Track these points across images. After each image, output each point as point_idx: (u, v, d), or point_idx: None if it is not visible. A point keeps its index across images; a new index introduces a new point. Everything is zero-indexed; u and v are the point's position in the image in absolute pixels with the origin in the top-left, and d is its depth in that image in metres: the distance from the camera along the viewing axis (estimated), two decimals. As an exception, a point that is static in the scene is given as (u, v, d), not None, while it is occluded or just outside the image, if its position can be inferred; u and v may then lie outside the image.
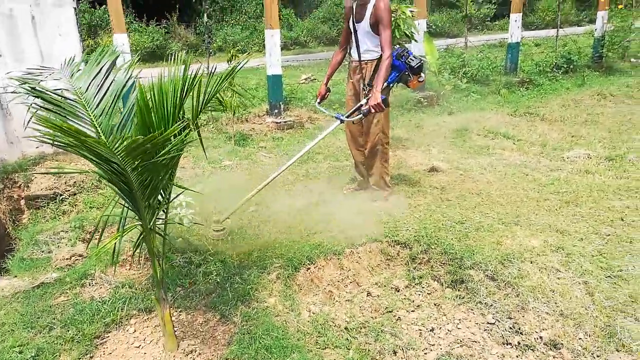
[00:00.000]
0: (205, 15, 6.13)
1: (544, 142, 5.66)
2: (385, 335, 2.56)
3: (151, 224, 2.12)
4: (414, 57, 3.84)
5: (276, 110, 6.81)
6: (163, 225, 2.32)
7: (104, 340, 2.52)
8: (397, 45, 4.16)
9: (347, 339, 2.55)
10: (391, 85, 3.85)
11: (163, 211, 2.27)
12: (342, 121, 3.86)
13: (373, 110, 3.65)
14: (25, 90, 2.06)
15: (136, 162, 1.70)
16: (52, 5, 4.77)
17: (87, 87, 2.28)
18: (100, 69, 2.31)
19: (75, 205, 4.51)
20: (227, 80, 2.25)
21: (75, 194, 4.65)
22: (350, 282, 3.20)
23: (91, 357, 2.40)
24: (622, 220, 3.55)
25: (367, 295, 2.97)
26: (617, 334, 2.37)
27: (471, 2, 18.29)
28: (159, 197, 2.17)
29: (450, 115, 7.25)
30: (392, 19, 4.69)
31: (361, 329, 2.63)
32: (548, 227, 3.47)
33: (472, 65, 8.76)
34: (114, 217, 2.97)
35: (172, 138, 1.82)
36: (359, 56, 3.90)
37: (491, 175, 4.68)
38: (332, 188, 4.43)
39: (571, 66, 9.60)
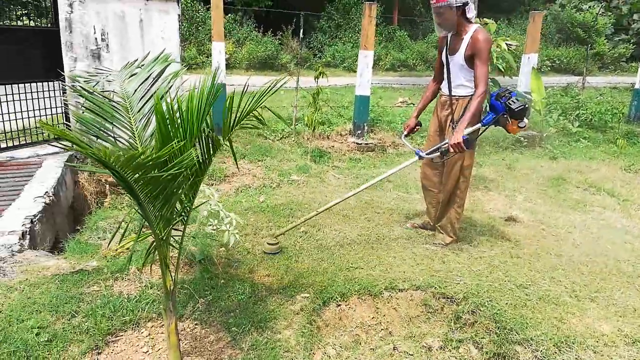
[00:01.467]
0: (302, 31, 6.19)
1: (657, 207, 4.85)
2: (398, 401, 2.28)
3: (164, 234, 2.09)
4: (517, 99, 3.38)
5: (359, 131, 6.68)
6: (184, 236, 2.29)
7: (117, 338, 2.55)
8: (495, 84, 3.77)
9: (355, 394, 2.31)
10: (485, 127, 3.49)
11: (182, 222, 2.24)
12: (420, 157, 3.60)
13: (452, 150, 3.36)
14: (74, 89, 2.15)
15: (136, 175, 1.66)
16: (158, 11, 5.13)
17: (134, 92, 2.33)
18: (149, 75, 2.36)
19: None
20: (264, 99, 2.16)
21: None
22: (382, 330, 2.92)
23: (99, 353, 2.43)
24: None
25: (394, 349, 2.69)
26: None
27: (605, 39, 16.74)
28: (176, 208, 2.13)
29: (550, 160, 6.56)
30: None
31: (374, 386, 2.37)
32: (631, 312, 2.91)
33: (588, 108, 7.88)
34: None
35: (181, 153, 1.77)
36: (450, 91, 3.60)
37: (580, 236, 4.09)
38: (391, 221, 4.17)
39: None
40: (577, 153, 7.03)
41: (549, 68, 16.33)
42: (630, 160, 6.59)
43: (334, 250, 3.56)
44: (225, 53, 14.00)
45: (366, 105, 6.66)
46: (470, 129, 3.46)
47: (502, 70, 4.51)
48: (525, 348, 2.55)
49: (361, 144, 6.52)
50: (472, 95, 3.49)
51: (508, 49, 4.40)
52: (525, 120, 3.42)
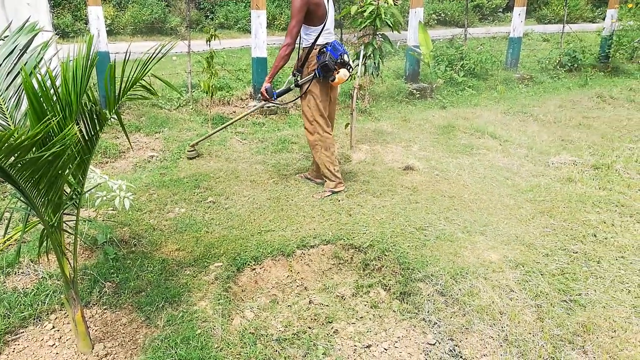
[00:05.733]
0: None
1: (531, 145, 5.42)
2: (317, 350, 2.40)
3: (54, 220, 1.94)
4: (325, 53, 3.68)
5: (260, 94, 6.58)
6: (79, 221, 2.15)
7: (17, 336, 2.37)
8: (334, 39, 3.97)
9: (276, 351, 2.38)
10: (316, 78, 3.77)
11: (74, 204, 2.09)
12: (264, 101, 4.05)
13: (261, 97, 3.91)
14: None
15: (11, 159, 1.51)
16: (18, -27, 4.54)
17: (-2, 66, 2.08)
18: (15, 47, 2.11)
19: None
20: (149, 67, 2.04)
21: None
22: (298, 286, 3.03)
23: (-2, 355, 2.26)
24: (595, 236, 3.35)
25: (310, 303, 2.80)
26: (560, 366, 2.20)
27: (483, -9, 17.75)
28: (65, 191, 1.99)
29: (440, 110, 7.00)
30: (374, 7, 4.47)
31: (294, 340, 2.47)
32: (514, 239, 3.28)
33: (470, 58, 8.45)
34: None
35: (60, 130, 1.63)
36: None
37: (469, 177, 4.47)
38: (299, 182, 4.24)
39: (575, 65, 9.27)
40: (463, 101, 7.57)
41: (435, 21, 17.12)
42: (508, 104, 7.24)
43: (244, 217, 3.56)
44: (106, 18, 12.86)
45: (264, 67, 6.55)
46: (302, 80, 3.83)
47: (391, 25, 4.67)
48: (427, 283, 2.79)
49: (263, 107, 6.43)
50: (308, 47, 3.77)
51: (394, 4, 4.55)
52: (337, 75, 3.67)
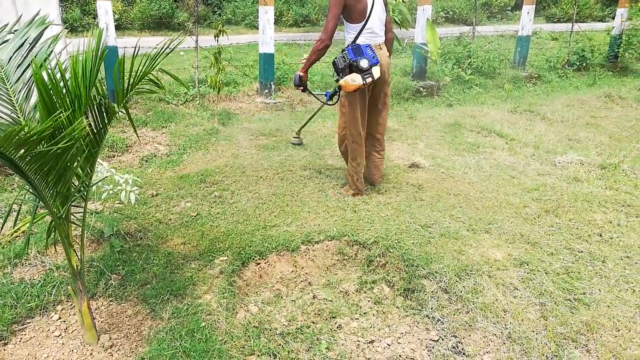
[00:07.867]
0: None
1: (537, 144, 5.40)
2: (320, 345, 2.41)
3: (62, 212, 1.97)
4: (343, 57, 3.43)
5: (266, 90, 6.60)
6: (92, 213, 2.17)
7: (24, 326, 2.40)
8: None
9: (280, 345, 2.40)
10: (342, 78, 3.51)
11: (82, 197, 2.12)
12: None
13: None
14: None
15: (21, 152, 1.53)
16: (28, -33, 4.57)
17: (9, 60, 2.11)
18: (25, 41, 2.13)
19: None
20: (158, 61, 2.05)
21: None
22: (302, 282, 3.04)
23: (5, 344, 2.28)
24: (600, 236, 3.34)
25: (313, 298, 2.81)
26: (563, 365, 2.20)
27: (492, -11, 17.65)
28: (74, 183, 2.01)
29: (447, 108, 6.98)
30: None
31: (297, 334, 2.48)
32: (519, 238, 3.28)
33: (478, 56, 8.41)
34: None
35: (70, 124, 1.65)
36: None
37: (475, 175, 4.46)
38: (304, 178, 4.25)
39: (584, 64, 9.21)
40: (470, 99, 7.54)
41: (443, 19, 17.05)
42: (515, 103, 7.20)
43: (249, 212, 3.58)
44: (114, 13, 12.91)
45: (271, 63, 6.56)
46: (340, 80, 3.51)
47: (399, 22, 4.66)
48: (431, 280, 2.80)
49: (269, 103, 6.46)
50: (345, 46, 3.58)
51: (402, 1, 4.54)
52: (343, 77, 3.41)
